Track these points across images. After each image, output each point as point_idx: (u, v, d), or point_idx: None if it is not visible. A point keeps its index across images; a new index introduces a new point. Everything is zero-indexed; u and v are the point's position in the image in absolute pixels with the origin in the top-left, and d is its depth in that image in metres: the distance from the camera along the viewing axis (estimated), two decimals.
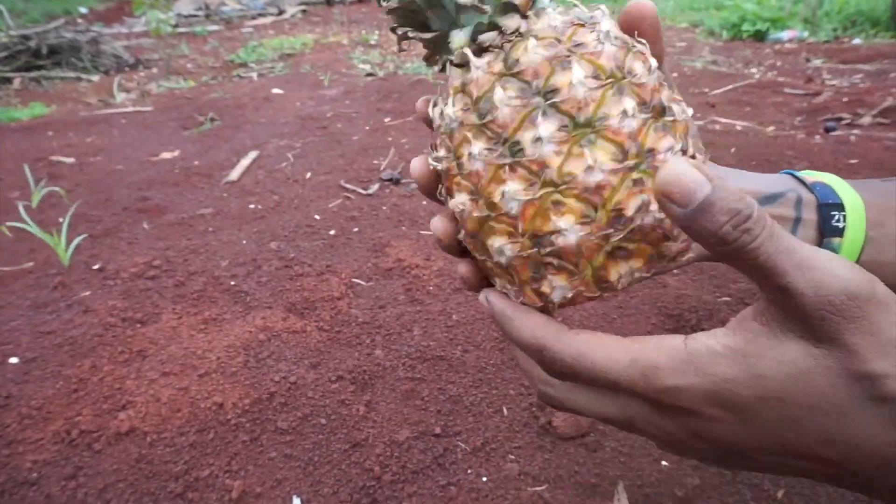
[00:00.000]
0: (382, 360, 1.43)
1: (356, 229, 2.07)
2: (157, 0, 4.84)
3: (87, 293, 1.75)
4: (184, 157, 2.97)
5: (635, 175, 0.41)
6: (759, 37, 4.98)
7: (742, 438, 0.40)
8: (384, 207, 2.23)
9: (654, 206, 0.41)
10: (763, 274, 0.37)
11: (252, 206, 2.33)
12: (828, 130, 2.76)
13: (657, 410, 0.41)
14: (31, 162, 2.95)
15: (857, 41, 4.56)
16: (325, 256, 1.90)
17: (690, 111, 0.46)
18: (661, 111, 0.42)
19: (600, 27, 0.43)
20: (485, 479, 1.13)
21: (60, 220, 2.19)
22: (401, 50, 0.47)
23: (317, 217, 2.18)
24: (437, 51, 0.47)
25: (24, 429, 1.27)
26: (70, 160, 3.03)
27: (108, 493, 1.13)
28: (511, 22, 0.44)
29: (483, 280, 0.49)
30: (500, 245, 0.43)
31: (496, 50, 0.44)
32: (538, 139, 0.41)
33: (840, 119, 2.89)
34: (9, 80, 5.00)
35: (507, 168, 0.42)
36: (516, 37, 0.44)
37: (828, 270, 0.36)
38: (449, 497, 1.10)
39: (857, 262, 0.55)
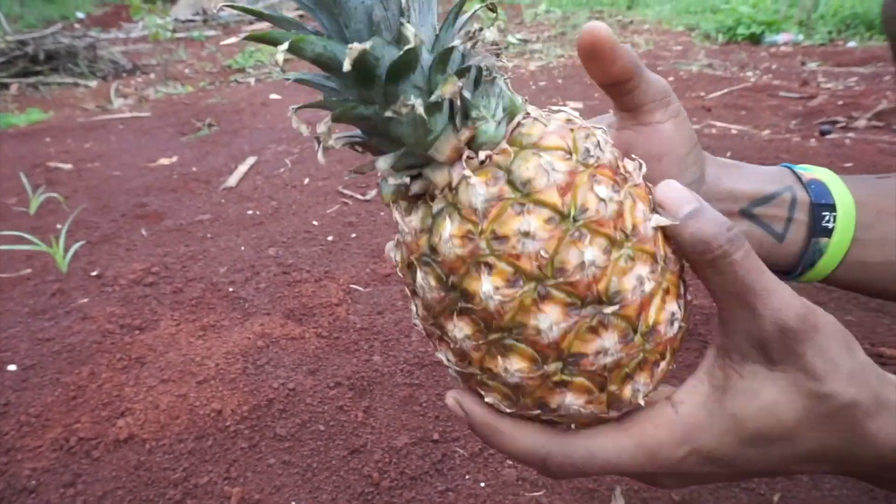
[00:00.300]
0: (380, 366, 1.43)
1: (354, 235, 2.08)
2: (154, 5, 4.84)
3: (86, 300, 1.75)
4: (182, 163, 2.97)
5: (556, 378, 0.41)
6: (755, 40, 5.00)
7: (740, 474, 0.45)
8: (382, 213, 2.23)
9: (578, 401, 0.42)
10: (737, 289, 0.40)
11: (250, 212, 2.33)
12: (823, 134, 2.77)
13: (662, 472, 0.44)
14: (28, 168, 2.96)
15: (851, 44, 4.59)
16: (324, 262, 1.91)
17: (657, 216, 0.42)
18: (598, 300, 0.40)
19: (529, 204, 0.39)
20: (483, 484, 1.13)
21: (58, 226, 2.19)
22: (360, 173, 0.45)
23: (315, 223, 2.19)
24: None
25: (22, 436, 1.27)
26: (68, 166, 3.03)
27: (106, 500, 1.13)
28: (440, 177, 0.41)
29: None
30: (506, 366, 0.43)
31: (426, 206, 0.42)
32: (455, 338, 0.42)
33: (835, 122, 2.91)
34: (6, 86, 5.00)
35: (437, 341, 0.45)
36: (446, 191, 0.41)
37: (784, 297, 0.40)
38: (447, 503, 1.10)
39: (842, 261, 0.56)
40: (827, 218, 0.56)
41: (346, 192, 2.44)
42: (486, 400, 0.44)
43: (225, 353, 1.48)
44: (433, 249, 0.41)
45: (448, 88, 0.38)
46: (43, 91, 4.97)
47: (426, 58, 0.40)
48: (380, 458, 1.19)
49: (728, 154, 2.53)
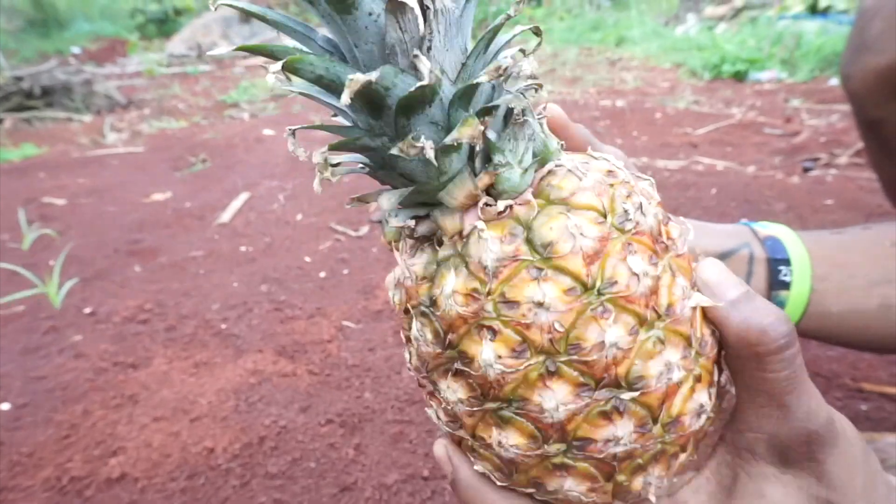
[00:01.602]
0: (371, 403, 1.45)
1: (346, 271, 2.11)
2: (150, 43, 4.91)
3: (79, 337, 1.76)
4: (175, 199, 3.00)
5: (556, 460, 0.37)
6: (739, 77, 5.11)
7: None
8: (374, 249, 2.26)
9: (580, 488, 0.37)
10: (777, 388, 0.37)
11: (243, 248, 2.36)
12: (806, 170, 2.83)
13: None
14: (22, 203, 2.98)
15: (833, 81, 4.69)
16: (316, 299, 1.93)
17: (701, 297, 0.38)
18: (615, 384, 0.35)
19: (548, 270, 0.35)
20: None
21: (52, 262, 2.21)
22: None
23: (307, 259, 2.22)
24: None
25: (14, 476, 1.27)
26: (61, 201, 3.05)
27: None
28: (449, 224, 0.37)
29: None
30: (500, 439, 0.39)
31: (432, 251, 0.39)
32: (447, 399, 0.38)
33: (817, 159, 2.97)
34: (0, 121, 5.04)
35: (428, 397, 0.42)
36: (456, 238, 0.37)
37: (818, 400, 0.37)
38: None
39: (804, 313, 0.59)
40: (784, 272, 0.59)
41: (338, 227, 2.47)
42: (476, 468, 0.40)
43: (217, 391, 1.49)
44: (433, 301, 0.37)
45: (466, 131, 0.33)
46: (37, 126, 5.01)
47: (447, 90, 0.34)
48: (370, 495, 1.20)
49: (714, 191, 2.58)
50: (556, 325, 0.34)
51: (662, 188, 2.64)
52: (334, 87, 0.34)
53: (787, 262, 0.59)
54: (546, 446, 0.36)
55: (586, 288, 0.34)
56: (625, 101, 4.40)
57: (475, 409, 0.37)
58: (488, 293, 0.35)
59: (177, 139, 4.26)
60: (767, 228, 0.62)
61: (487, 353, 0.35)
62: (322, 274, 2.10)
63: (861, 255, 0.62)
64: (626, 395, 0.35)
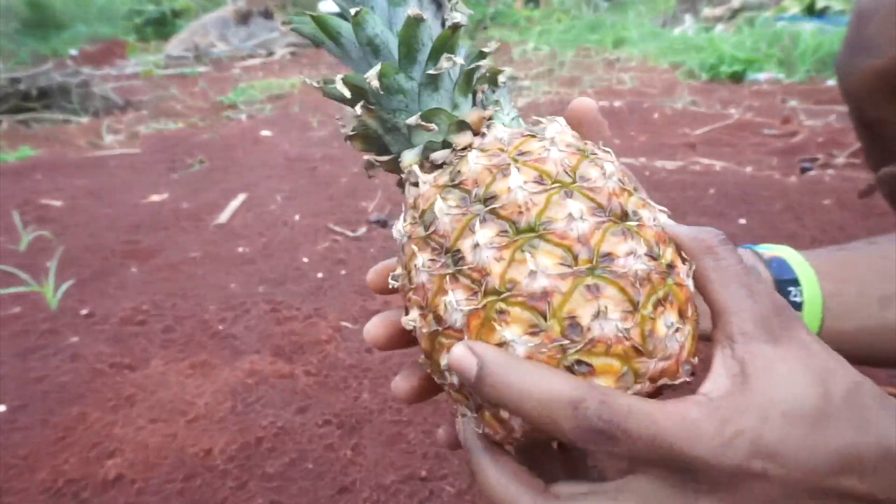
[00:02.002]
0: (369, 404, 1.44)
1: (344, 272, 2.10)
2: (148, 44, 4.91)
3: (76, 339, 1.75)
4: (173, 200, 2.99)
5: (589, 280, 0.38)
6: (737, 78, 5.11)
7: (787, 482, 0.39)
8: (372, 250, 2.26)
9: (614, 315, 0.37)
10: (738, 272, 0.42)
11: (241, 249, 2.35)
12: (804, 171, 2.83)
13: (708, 460, 0.37)
14: (19, 205, 2.97)
15: (830, 82, 4.69)
16: (313, 299, 1.92)
17: (664, 217, 0.44)
18: (621, 215, 0.40)
19: (548, 135, 0.43)
20: None
21: (48, 264, 2.20)
22: (369, 176, 0.49)
23: (305, 260, 2.21)
24: (396, 171, 0.47)
25: (9, 479, 1.27)
26: (58, 203, 3.05)
27: None
28: (462, 139, 0.44)
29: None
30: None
31: (448, 165, 0.44)
32: (476, 245, 0.39)
33: (815, 159, 2.97)
34: None
35: (448, 278, 0.40)
36: (468, 152, 0.43)
37: (767, 283, 0.41)
38: None
39: (819, 333, 0.58)
40: (793, 293, 0.58)
41: (336, 228, 2.46)
42: (505, 333, 0.39)
43: (214, 392, 1.49)
44: (458, 173, 0.43)
45: (482, 56, 0.45)
46: (34, 128, 5.00)
47: (455, 73, 0.46)
48: (368, 496, 1.20)
49: (712, 191, 2.58)
50: (566, 161, 0.42)
51: (661, 188, 2.64)
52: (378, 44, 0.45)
53: (795, 282, 0.58)
54: (576, 265, 0.38)
55: (553, 181, 0.41)
56: (623, 102, 4.40)
57: (505, 241, 0.39)
58: (503, 150, 0.43)
59: (174, 140, 4.25)
60: (771, 250, 0.61)
61: (516, 180, 0.40)
62: (320, 274, 2.09)
63: (869, 269, 0.62)
64: (630, 222, 0.40)
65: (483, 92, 0.47)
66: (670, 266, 0.41)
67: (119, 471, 1.27)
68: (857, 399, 0.39)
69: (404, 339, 0.48)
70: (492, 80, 0.47)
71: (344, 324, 1.78)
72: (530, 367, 0.37)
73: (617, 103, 4.37)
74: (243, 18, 9.00)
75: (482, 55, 0.45)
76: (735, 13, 6.96)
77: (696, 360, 0.42)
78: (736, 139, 3.49)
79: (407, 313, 0.43)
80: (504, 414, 0.39)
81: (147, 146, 4.15)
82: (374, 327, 0.49)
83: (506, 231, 0.39)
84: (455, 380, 0.40)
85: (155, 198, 3.05)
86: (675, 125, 3.83)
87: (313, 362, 1.60)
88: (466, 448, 0.42)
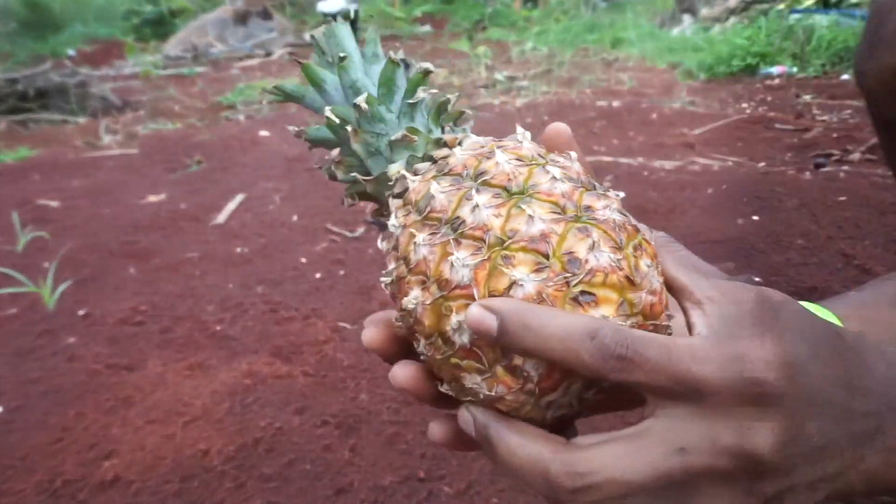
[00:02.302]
0: (367, 405, 1.44)
1: (342, 272, 2.10)
2: (146, 45, 4.90)
3: (73, 340, 1.75)
4: (171, 200, 2.99)
5: (579, 224, 0.42)
6: (750, 72, 5.09)
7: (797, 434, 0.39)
8: (370, 250, 2.26)
9: (605, 247, 0.41)
10: (690, 263, 0.46)
11: (239, 249, 2.35)
12: (818, 167, 2.81)
13: (715, 384, 0.38)
14: (16, 205, 2.96)
15: (845, 77, 4.66)
16: (311, 300, 1.92)
17: (618, 197, 0.48)
18: (589, 186, 0.46)
19: (517, 139, 0.50)
20: None
21: (46, 264, 2.20)
22: (349, 206, 0.55)
23: (303, 260, 2.21)
24: (380, 189, 0.53)
25: (6, 480, 1.26)
26: (56, 204, 3.04)
27: None
28: (442, 153, 0.50)
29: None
30: (459, 320, 0.41)
31: (434, 166, 0.50)
32: (476, 207, 0.42)
33: (830, 155, 2.95)
34: None
35: (452, 243, 0.42)
36: (451, 154, 0.50)
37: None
38: None
39: None
40: None
41: (334, 229, 2.46)
42: (514, 275, 0.41)
43: (212, 393, 1.48)
44: (446, 164, 0.48)
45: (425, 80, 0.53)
46: (32, 128, 4.99)
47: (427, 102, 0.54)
48: (366, 496, 1.20)
49: (710, 190, 2.58)
50: (538, 151, 0.49)
51: (660, 188, 2.64)
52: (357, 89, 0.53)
53: None
54: (567, 212, 0.43)
55: (530, 162, 0.47)
56: (621, 102, 4.40)
57: (502, 200, 0.43)
58: (482, 146, 0.49)
59: (172, 141, 4.25)
60: None
61: (502, 157, 0.46)
62: (318, 275, 2.09)
63: (891, 307, 0.61)
64: (598, 190, 0.46)
65: (451, 127, 0.55)
66: (635, 228, 0.45)
67: (116, 472, 1.27)
68: (857, 349, 0.42)
69: (399, 342, 0.50)
70: (457, 117, 0.55)
71: (342, 324, 1.77)
72: (545, 309, 0.39)
73: (615, 103, 4.37)
74: (241, 19, 8.99)
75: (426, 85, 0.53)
76: (731, 13, 6.95)
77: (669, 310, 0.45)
78: (749, 134, 3.47)
79: (401, 309, 0.45)
80: (518, 360, 0.40)
81: (145, 147, 4.14)
82: (370, 331, 0.51)
83: (499, 195, 0.44)
84: (465, 339, 0.41)
85: (153, 198, 3.04)
86: (673, 125, 3.83)
87: (311, 363, 1.60)
88: (479, 426, 0.42)
